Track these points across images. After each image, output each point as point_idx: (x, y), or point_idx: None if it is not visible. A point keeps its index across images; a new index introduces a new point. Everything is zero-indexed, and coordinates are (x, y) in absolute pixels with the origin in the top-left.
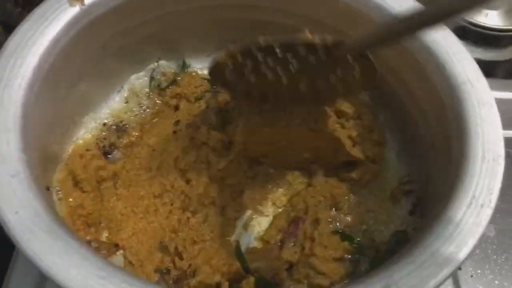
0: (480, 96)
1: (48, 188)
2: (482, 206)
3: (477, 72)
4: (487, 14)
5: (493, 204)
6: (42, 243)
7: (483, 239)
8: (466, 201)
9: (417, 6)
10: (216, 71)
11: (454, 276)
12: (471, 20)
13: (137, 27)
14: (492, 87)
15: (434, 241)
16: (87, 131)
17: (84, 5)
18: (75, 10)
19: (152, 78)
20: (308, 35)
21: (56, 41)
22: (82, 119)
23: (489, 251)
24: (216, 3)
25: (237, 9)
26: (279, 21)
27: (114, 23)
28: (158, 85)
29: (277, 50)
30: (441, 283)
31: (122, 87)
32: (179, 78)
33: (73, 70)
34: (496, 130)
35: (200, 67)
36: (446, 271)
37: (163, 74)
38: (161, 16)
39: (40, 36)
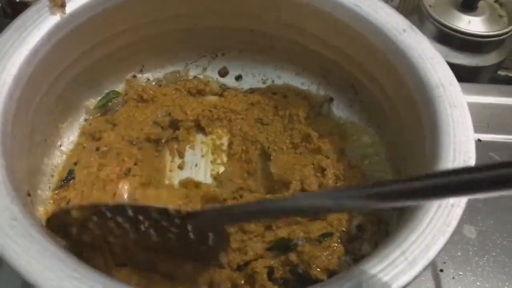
0: (452, 99)
1: (29, 194)
2: (452, 206)
3: (449, 75)
4: (469, 21)
5: (463, 203)
6: (19, 246)
7: (464, 241)
8: (437, 201)
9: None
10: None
11: (436, 278)
12: (454, 26)
13: (118, 36)
14: (476, 92)
15: (405, 239)
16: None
17: (65, 13)
18: (55, 19)
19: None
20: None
21: (36, 50)
22: (65, 125)
23: (471, 253)
24: (197, 12)
25: (218, 18)
26: (256, 28)
27: (95, 31)
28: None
29: (129, 211)
30: (412, 280)
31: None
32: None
33: (54, 78)
34: (467, 132)
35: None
36: (417, 268)
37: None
38: (142, 25)
39: (19, 45)
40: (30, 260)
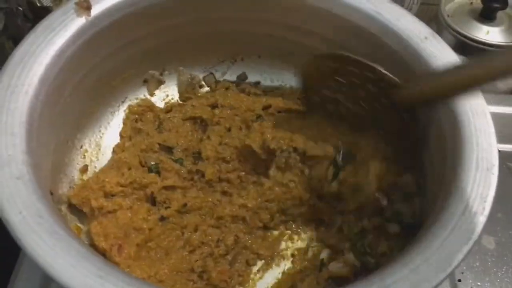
0: (474, 106)
1: (51, 193)
2: (475, 213)
3: None
4: (488, 31)
5: (486, 212)
6: (44, 243)
7: (483, 252)
8: (460, 209)
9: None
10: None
11: None
12: (472, 36)
13: (141, 39)
14: (492, 102)
15: (428, 247)
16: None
17: (90, 15)
18: (81, 21)
19: None
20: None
21: (62, 51)
22: (87, 127)
23: (489, 263)
24: (217, 17)
25: (237, 22)
26: (276, 33)
27: (118, 34)
28: None
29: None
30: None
31: (126, 97)
32: None
33: (78, 80)
34: (490, 140)
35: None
36: (438, 277)
37: None
38: (163, 29)
39: (46, 45)
40: (56, 257)
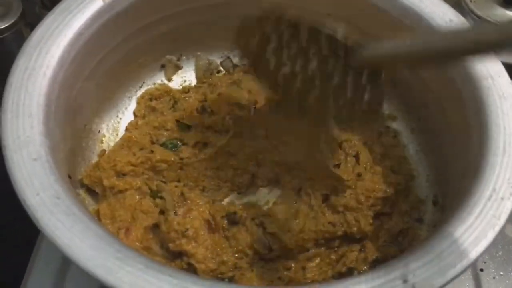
0: (501, 90)
1: (69, 177)
2: (502, 199)
3: (499, 67)
4: None
5: None
6: (62, 224)
7: (506, 241)
8: (486, 194)
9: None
10: (242, 33)
11: (476, 278)
12: (496, 23)
13: (158, 23)
14: None
15: (453, 232)
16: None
17: None
18: (98, 3)
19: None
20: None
21: (79, 34)
22: (104, 112)
23: None
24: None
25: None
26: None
27: (136, 18)
28: None
29: (302, 36)
30: (458, 275)
31: (143, 82)
32: None
33: (95, 63)
34: None
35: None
36: (464, 262)
37: None
38: (181, 12)
39: (64, 28)
40: (73, 238)
